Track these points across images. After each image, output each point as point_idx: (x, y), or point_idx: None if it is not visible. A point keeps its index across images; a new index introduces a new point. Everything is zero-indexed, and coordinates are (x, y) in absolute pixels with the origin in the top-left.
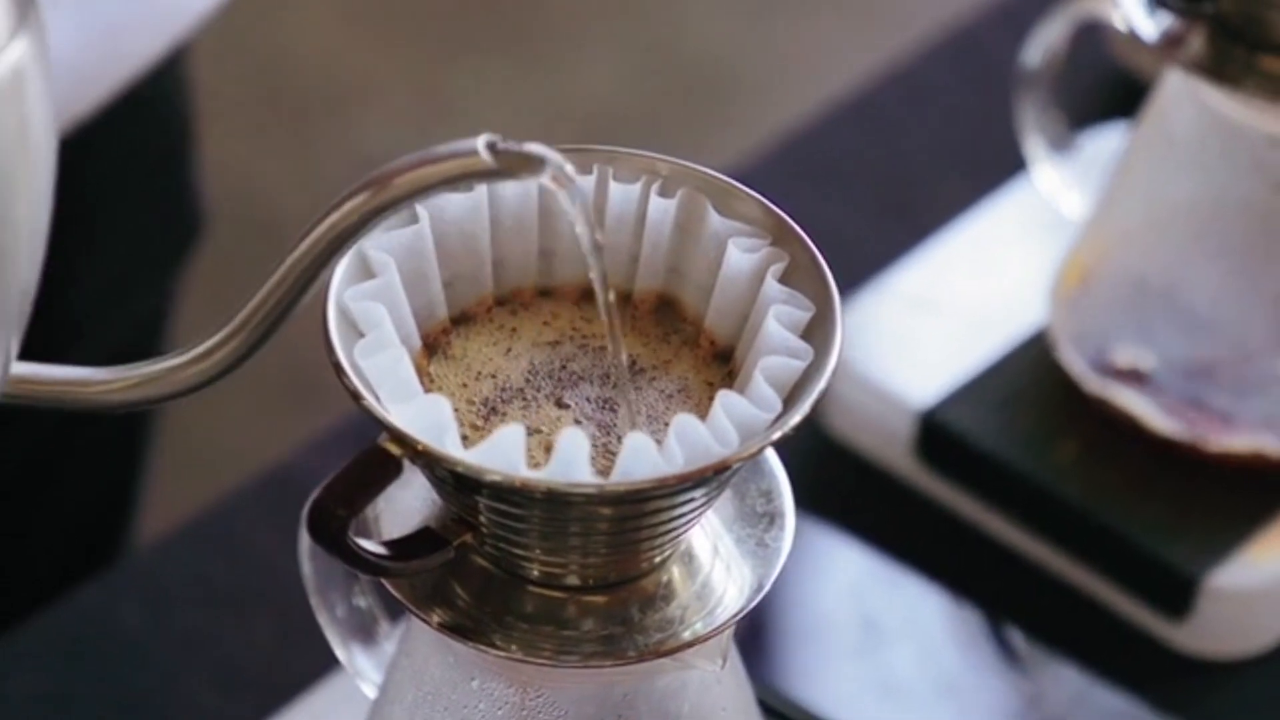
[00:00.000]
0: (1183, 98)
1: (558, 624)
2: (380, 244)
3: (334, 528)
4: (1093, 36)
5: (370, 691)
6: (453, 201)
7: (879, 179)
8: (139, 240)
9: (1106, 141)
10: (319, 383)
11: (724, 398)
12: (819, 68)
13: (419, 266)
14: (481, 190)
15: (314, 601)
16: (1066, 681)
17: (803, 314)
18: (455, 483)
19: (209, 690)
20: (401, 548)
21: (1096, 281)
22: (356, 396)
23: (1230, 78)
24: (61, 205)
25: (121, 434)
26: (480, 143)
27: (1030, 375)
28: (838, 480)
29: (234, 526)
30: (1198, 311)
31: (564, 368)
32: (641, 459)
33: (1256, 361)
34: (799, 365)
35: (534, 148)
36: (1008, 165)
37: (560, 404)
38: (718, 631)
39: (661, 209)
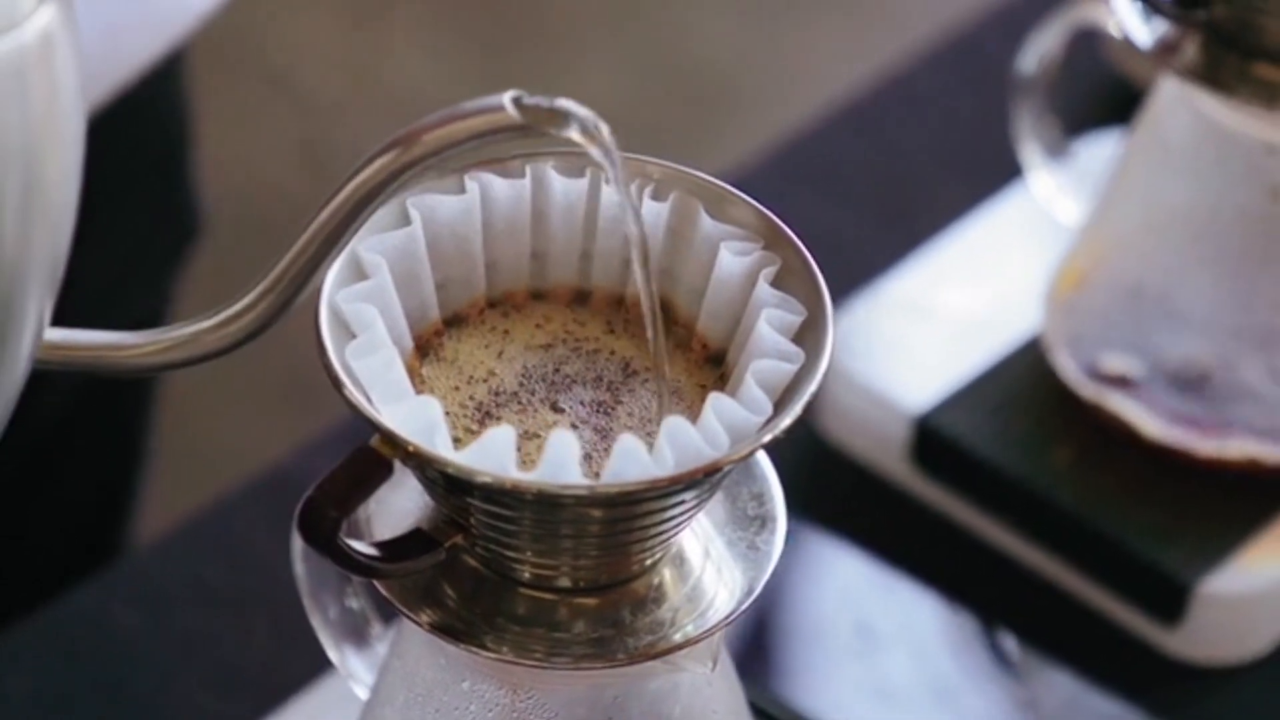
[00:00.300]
0: (1177, 104)
1: (549, 626)
2: (372, 246)
3: (325, 528)
4: (1089, 43)
5: (362, 693)
6: (445, 204)
7: (876, 184)
8: (137, 241)
9: (1102, 148)
10: (316, 384)
11: (715, 400)
12: (821, 73)
13: (411, 268)
14: (474, 192)
15: (307, 603)
16: (1060, 687)
17: (794, 317)
18: (446, 484)
19: (204, 691)
20: (392, 549)
21: (1091, 287)
22: (347, 397)
23: (1224, 85)
24: None
25: (119, 434)
26: (506, 98)
27: (1025, 381)
28: (833, 485)
29: (231, 528)
30: (1192, 318)
31: (557, 371)
32: (632, 461)
33: (1251, 368)
34: (790, 368)
35: (562, 102)
36: (1004, 171)
37: (555, 408)
38: (708, 634)
39: (654, 212)
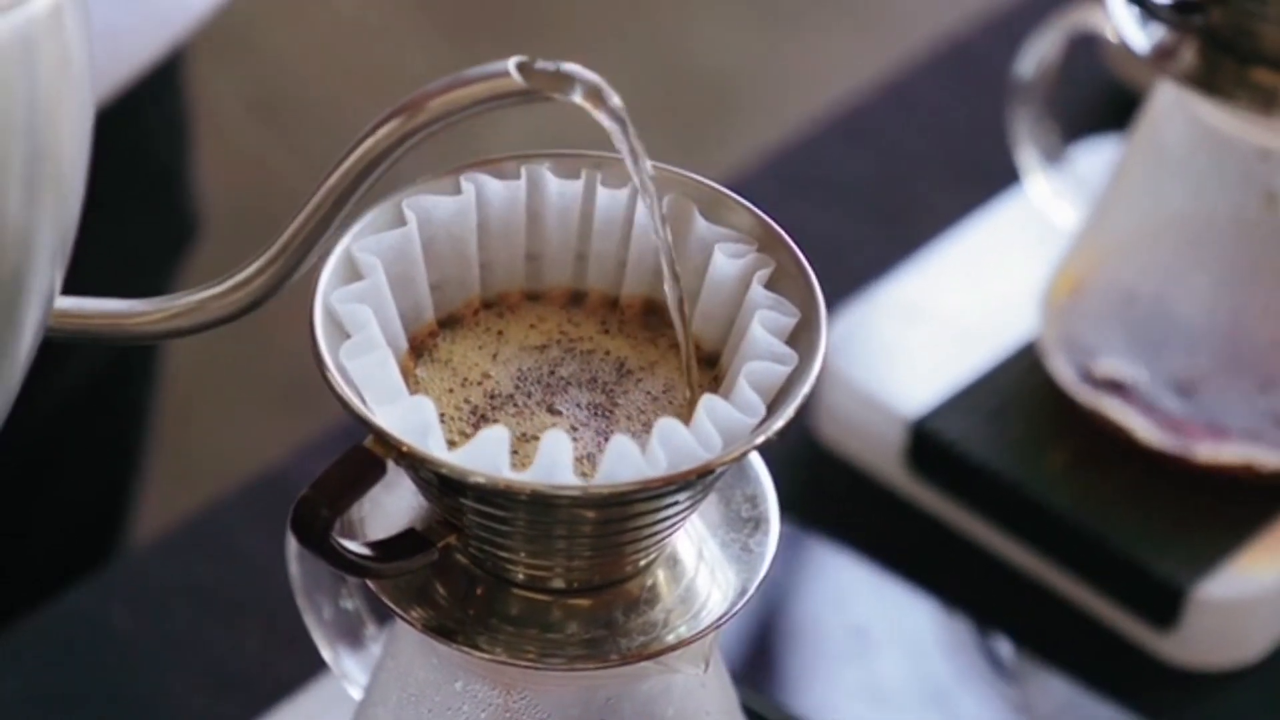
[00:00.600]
0: (1174, 110)
1: (542, 626)
2: (368, 246)
3: (318, 528)
4: (1087, 48)
5: (356, 694)
6: (440, 205)
7: (874, 189)
8: (135, 241)
9: (1099, 153)
10: (314, 387)
11: (707, 402)
12: (823, 80)
13: (406, 269)
14: (469, 194)
15: (301, 603)
16: (1054, 691)
17: (788, 319)
18: (439, 484)
19: (199, 692)
20: (385, 549)
21: (1088, 292)
22: (341, 397)
23: (1221, 90)
24: None
25: (117, 436)
26: (511, 64)
27: (1021, 386)
28: (828, 488)
29: (227, 529)
30: (1188, 323)
31: (552, 373)
32: (625, 462)
33: (1246, 373)
34: (783, 370)
35: (568, 67)
36: (1001, 176)
37: (552, 410)
38: (701, 635)
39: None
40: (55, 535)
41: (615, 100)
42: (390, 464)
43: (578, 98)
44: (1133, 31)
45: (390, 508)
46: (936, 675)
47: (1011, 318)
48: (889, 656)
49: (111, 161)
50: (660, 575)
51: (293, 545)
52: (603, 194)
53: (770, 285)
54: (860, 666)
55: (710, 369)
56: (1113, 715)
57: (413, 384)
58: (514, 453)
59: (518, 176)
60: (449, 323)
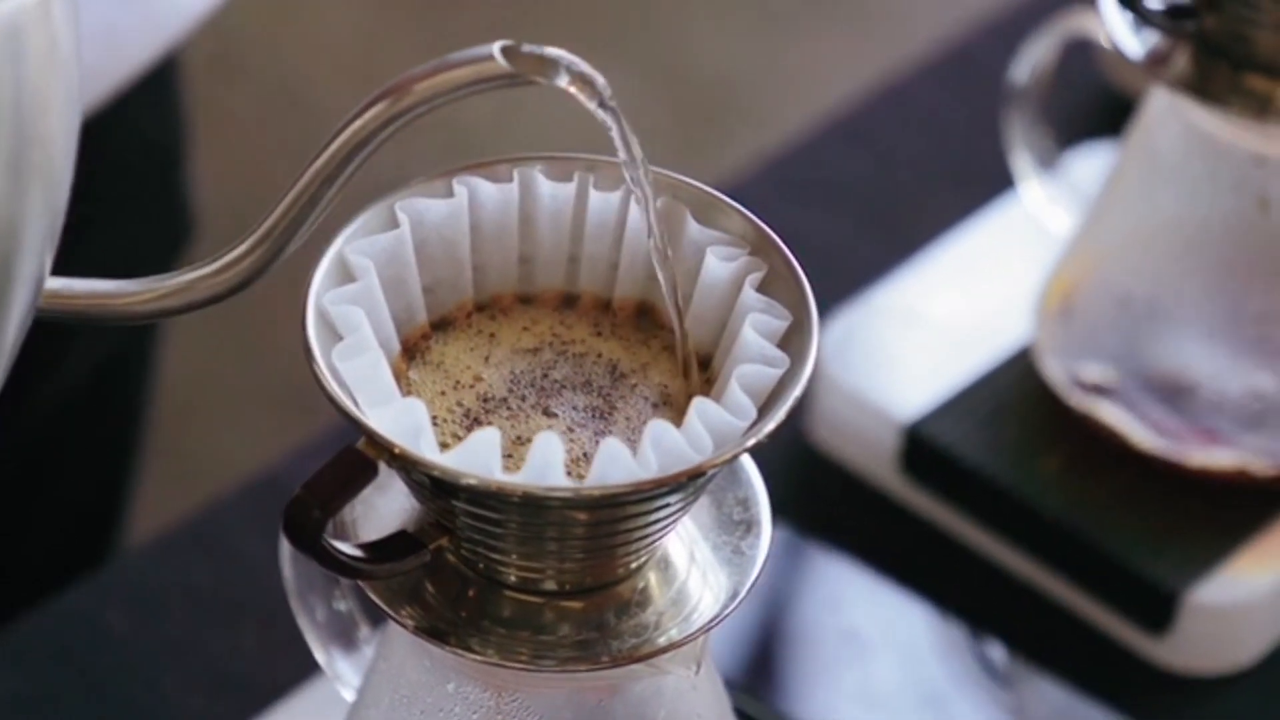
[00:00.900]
0: (1168, 115)
1: (534, 629)
2: (360, 248)
3: (310, 529)
4: (1081, 54)
5: (349, 695)
6: (433, 207)
7: (868, 193)
8: (131, 242)
9: (1093, 159)
10: (308, 390)
11: (699, 404)
12: (818, 84)
13: (399, 271)
14: (462, 196)
15: (294, 605)
16: (1047, 696)
17: (780, 323)
18: (431, 486)
19: (195, 693)
20: (377, 550)
21: (1082, 297)
22: (333, 399)
23: (1215, 95)
24: None
25: (112, 438)
26: (496, 48)
27: (1015, 390)
28: (822, 492)
29: (223, 531)
30: (1182, 328)
31: (545, 375)
32: (616, 464)
33: (1239, 378)
34: (775, 373)
35: (552, 51)
36: (995, 181)
37: (547, 413)
38: (692, 638)
39: (642, 217)
40: (52, 536)
41: (600, 81)
42: (382, 466)
43: (563, 82)
44: (1127, 37)
45: (382, 509)
46: (930, 679)
47: (1006, 322)
48: (882, 661)
49: (109, 161)
50: (652, 578)
51: (286, 547)
52: (595, 197)
53: (762, 288)
54: (854, 670)
55: (702, 371)
56: (1106, 719)
57: (405, 386)
58: (508, 456)
59: (510, 179)
60: (441, 325)
